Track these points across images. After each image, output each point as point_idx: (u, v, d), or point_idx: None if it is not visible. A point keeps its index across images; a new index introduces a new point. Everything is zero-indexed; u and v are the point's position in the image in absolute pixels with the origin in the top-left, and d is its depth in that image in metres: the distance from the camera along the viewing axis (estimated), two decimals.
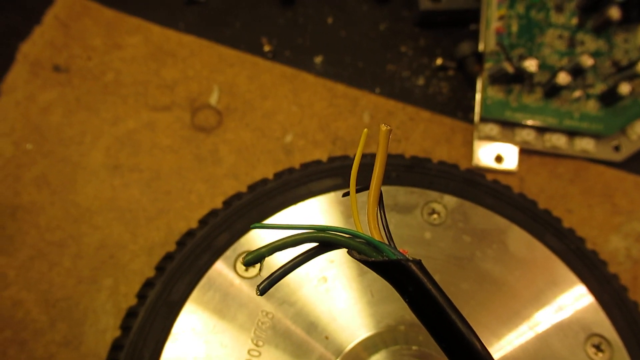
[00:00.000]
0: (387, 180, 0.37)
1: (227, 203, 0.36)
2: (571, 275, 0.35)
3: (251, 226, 0.19)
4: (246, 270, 0.33)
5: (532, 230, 0.36)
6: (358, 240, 0.18)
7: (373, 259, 0.18)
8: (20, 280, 0.45)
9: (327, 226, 0.18)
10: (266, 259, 0.19)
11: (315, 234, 0.18)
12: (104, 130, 0.51)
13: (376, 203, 0.19)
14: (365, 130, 0.20)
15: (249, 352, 0.31)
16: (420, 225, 0.35)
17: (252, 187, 0.36)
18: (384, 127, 0.19)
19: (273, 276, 0.19)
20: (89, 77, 0.53)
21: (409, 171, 0.37)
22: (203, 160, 0.50)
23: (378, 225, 0.19)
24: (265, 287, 0.18)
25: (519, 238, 0.36)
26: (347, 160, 0.37)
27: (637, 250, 0.50)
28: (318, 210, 0.35)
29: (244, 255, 0.18)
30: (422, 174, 0.37)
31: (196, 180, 0.50)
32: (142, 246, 0.47)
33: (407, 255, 0.18)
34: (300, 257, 0.19)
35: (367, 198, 0.19)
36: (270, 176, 0.38)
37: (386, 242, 0.18)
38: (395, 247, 0.19)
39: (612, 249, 0.50)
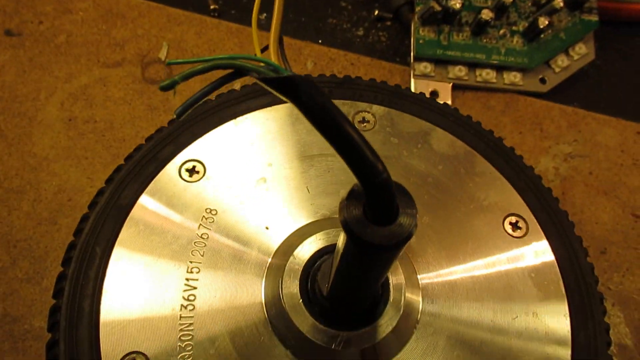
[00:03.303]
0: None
1: (172, 121, 0.38)
2: (490, 167, 0.38)
3: (167, 62, 0.22)
4: (190, 176, 0.36)
5: (454, 131, 0.40)
6: (261, 65, 0.21)
7: (272, 76, 0.21)
8: None
9: (235, 55, 0.21)
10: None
11: (223, 61, 0.21)
12: (58, 86, 0.53)
13: (276, 40, 0.22)
14: None
15: (194, 243, 0.34)
16: None
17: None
18: None
19: (188, 101, 0.21)
20: (41, 40, 0.55)
21: (340, 87, 0.40)
22: (155, 110, 0.53)
23: (278, 57, 0.22)
24: (180, 111, 0.21)
25: (441, 138, 0.39)
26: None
27: (564, 169, 0.54)
28: (255, 123, 0.38)
29: (160, 82, 0.21)
30: (353, 89, 0.40)
31: (149, 128, 0.52)
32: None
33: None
34: (211, 84, 0.22)
35: (270, 37, 0.22)
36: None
37: (284, 66, 0.21)
38: (291, 71, 0.21)
39: (543, 169, 0.54)
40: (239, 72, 0.21)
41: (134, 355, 0.30)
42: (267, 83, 0.21)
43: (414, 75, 0.56)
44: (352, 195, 0.22)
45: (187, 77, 0.21)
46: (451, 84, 0.56)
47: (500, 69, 0.56)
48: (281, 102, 0.40)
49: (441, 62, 0.56)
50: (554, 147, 0.55)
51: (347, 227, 0.22)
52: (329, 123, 0.21)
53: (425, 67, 0.55)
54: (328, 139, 0.21)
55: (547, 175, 0.53)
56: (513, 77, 0.56)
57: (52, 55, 0.54)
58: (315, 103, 0.21)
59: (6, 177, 0.48)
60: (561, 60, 0.57)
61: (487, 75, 0.56)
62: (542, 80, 0.57)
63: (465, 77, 0.56)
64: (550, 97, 0.57)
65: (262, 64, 0.21)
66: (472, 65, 0.56)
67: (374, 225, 0.22)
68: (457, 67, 0.55)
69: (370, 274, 0.25)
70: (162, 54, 0.55)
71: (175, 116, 0.21)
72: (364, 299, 0.29)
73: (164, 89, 0.21)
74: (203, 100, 0.22)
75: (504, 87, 0.56)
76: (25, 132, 0.50)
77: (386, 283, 0.32)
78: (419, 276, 0.34)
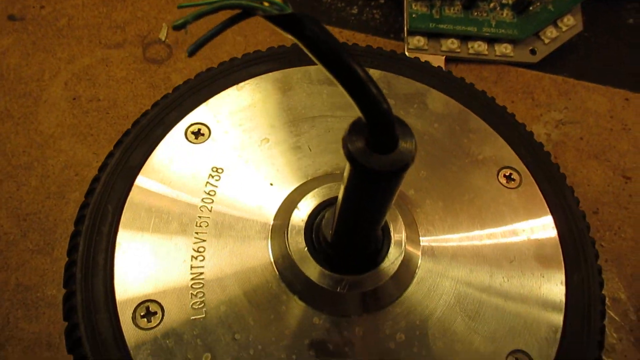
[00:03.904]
0: None
1: (177, 88, 0.40)
2: (483, 124, 0.40)
3: (178, 6, 0.23)
4: (196, 138, 0.37)
5: (448, 92, 0.41)
6: (266, 5, 0.23)
7: (277, 14, 0.22)
8: None
9: None
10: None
11: (231, 1, 0.23)
12: (61, 67, 0.54)
13: None
14: None
15: (202, 200, 0.35)
16: None
17: (198, 74, 0.40)
18: None
19: (199, 40, 0.23)
20: (43, 24, 0.57)
21: None
22: (157, 87, 0.54)
23: None
24: (192, 49, 0.22)
25: (436, 98, 0.41)
26: (284, 49, 0.42)
27: (556, 135, 0.55)
28: (257, 88, 0.39)
29: (173, 22, 0.22)
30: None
31: (151, 104, 0.53)
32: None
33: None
34: (221, 24, 0.23)
35: None
36: None
37: (287, 5, 0.23)
38: (292, 10, 0.23)
39: (535, 135, 0.55)
40: (246, 12, 0.23)
41: (148, 303, 0.32)
42: (273, 21, 0.22)
43: (408, 49, 0.57)
44: (353, 128, 0.24)
45: (197, 17, 0.22)
46: (444, 56, 0.57)
47: (491, 41, 0.58)
48: (281, 68, 0.41)
49: (434, 36, 0.57)
50: (545, 114, 0.56)
51: (351, 157, 0.23)
52: (333, 57, 0.22)
53: (418, 40, 0.57)
54: (332, 72, 0.22)
55: (539, 141, 0.55)
56: (504, 49, 0.57)
57: (55, 38, 0.56)
58: (319, 38, 0.22)
59: (14, 154, 0.50)
60: (550, 32, 0.59)
61: (479, 47, 0.57)
62: (532, 52, 0.59)
63: (458, 50, 0.57)
64: (541, 67, 0.59)
65: (267, 4, 0.22)
66: (464, 38, 0.57)
67: (376, 154, 0.23)
68: (450, 40, 0.57)
69: (373, 207, 0.27)
70: (162, 35, 0.57)
71: (187, 55, 0.23)
72: (366, 240, 0.31)
73: (177, 28, 0.22)
74: (213, 38, 0.23)
75: (496, 59, 0.58)
76: (31, 112, 0.52)
77: (387, 231, 0.34)
78: (418, 225, 0.36)
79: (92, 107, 0.52)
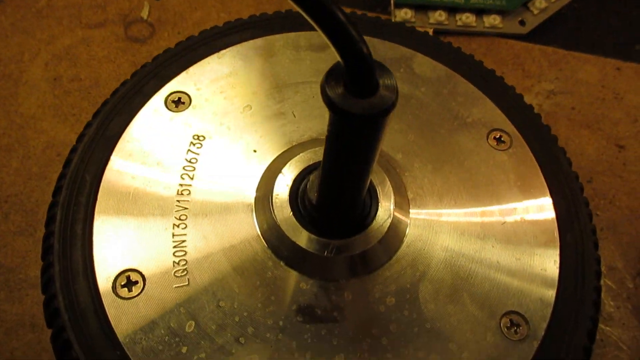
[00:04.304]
0: (300, 27, 0.40)
1: (156, 57, 0.39)
2: (472, 87, 0.39)
3: None
4: (176, 106, 0.36)
5: (435, 57, 0.40)
6: None
7: None
8: None
9: None
10: None
11: None
12: (41, 48, 0.53)
13: None
14: None
15: (183, 168, 0.34)
16: (336, 58, 0.39)
17: (178, 43, 0.39)
18: None
19: None
20: (22, 5, 0.55)
21: None
22: (139, 66, 0.53)
23: None
24: None
25: (423, 63, 0.40)
26: (266, 16, 0.41)
27: (547, 105, 0.54)
28: (238, 56, 0.38)
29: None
30: None
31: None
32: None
33: None
34: None
35: None
36: None
37: None
38: None
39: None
40: None
41: (129, 272, 0.31)
42: None
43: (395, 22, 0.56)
44: (331, 73, 0.23)
45: None
46: (432, 29, 0.56)
47: (479, 12, 0.57)
48: (264, 35, 0.40)
49: (421, 8, 0.56)
50: (536, 85, 0.56)
51: (330, 102, 0.23)
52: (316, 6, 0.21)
53: (405, 13, 0.56)
54: (309, 13, 0.21)
55: None
56: (493, 20, 0.57)
57: (34, 20, 0.54)
58: None
59: None
60: (539, 3, 0.58)
61: (467, 19, 0.56)
62: (522, 23, 0.58)
63: (446, 22, 0.56)
64: (530, 38, 0.58)
65: None
66: (452, 10, 0.57)
67: (356, 98, 0.22)
68: (437, 12, 0.56)
69: (357, 158, 0.26)
70: (144, 13, 0.56)
71: None
72: (352, 200, 0.30)
73: None
74: None
75: (485, 31, 0.57)
76: (11, 93, 0.50)
77: (375, 195, 0.33)
78: (407, 189, 0.35)
79: (74, 87, 0.51)
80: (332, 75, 0.23)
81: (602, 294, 0.46)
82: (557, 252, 0.33)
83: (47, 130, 0.49)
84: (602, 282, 0.46)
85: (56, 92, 0.51)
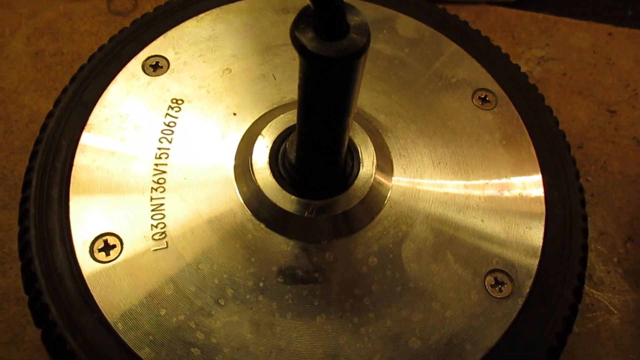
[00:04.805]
0: None
1: (134, 21, 0.38)
2: (456, 47, 0.38)
3: None
4: (154, 70, 0.35)
5: (418, 17, 0.39)
6: None
7: None
8: None
9: None
10: None
11: None
12: (22, 22, 0.52)
13: None
14: None
15: (161, 132, 0.33)
16: None
17: (157, 7, 0.38)
18: None
19: None
20: None
21: None
22: None
23: None
24: None
25: (406, 24, 0.39)
26: None
27: (538, 72, 0.54)
28: (217, 19, 0.38)
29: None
30: None
31: None
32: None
33: None
34: None
35: None
36: None
37: None
38: None
39: None
40: None
41: (106, 236, 0.30)
42: None
43: None
44: (301, 17, 0.22)
45: None
46: None
47: None
48: None
49: None
50: (526, 52, 0.55)
51: (300, 45, 0.22)
52: None
53: None
54: None
55: None
56: None
57: None
58: None
59: None
60: None
61: None
62: None
63: None
64: (520, 5, 0.57)
65: None
66: None
67: (327, 41, 0.22)
68: None
69: (332, 106, 0.25)
70: None
71: None
72: (330, 155, 0.29)
73: None
74: None
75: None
76: None
77: (357, 155, 0.32)
78: (390, 149, 0.34)
79: (56, 61, 0.50)
80: (301, 19, 0.22)
81: (593, 259, 0.46)
82: (544, 210, 0.33)
83: (29, 104, 0.48)
84: (592, 246, 0.46)
85: (38, 67, 0.50)
